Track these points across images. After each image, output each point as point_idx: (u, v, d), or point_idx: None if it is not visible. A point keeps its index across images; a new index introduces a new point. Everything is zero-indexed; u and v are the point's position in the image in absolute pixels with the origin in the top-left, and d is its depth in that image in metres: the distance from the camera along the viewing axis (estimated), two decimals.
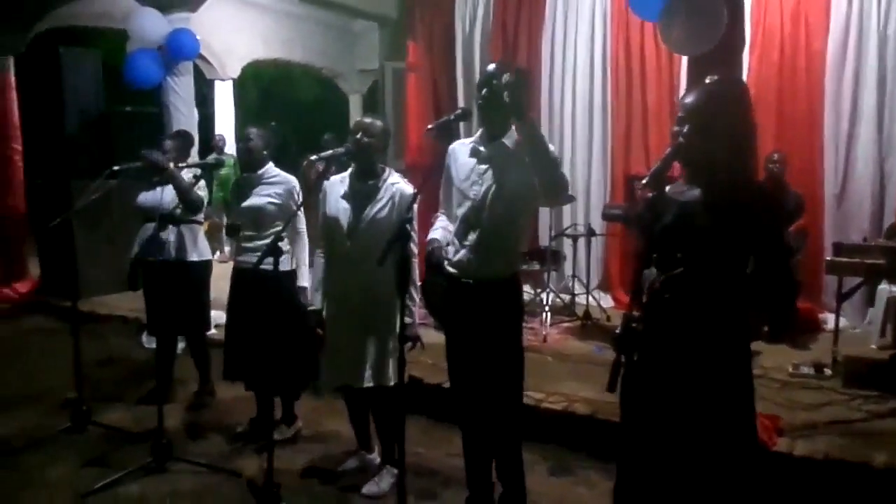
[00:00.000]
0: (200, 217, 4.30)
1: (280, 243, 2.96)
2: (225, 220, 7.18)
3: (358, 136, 3.09)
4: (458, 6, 7.04)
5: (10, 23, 7.17)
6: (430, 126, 2.74)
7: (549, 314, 5.46)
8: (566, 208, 6.58)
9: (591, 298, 5.96)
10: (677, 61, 5.96)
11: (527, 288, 5.48)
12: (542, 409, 3.84)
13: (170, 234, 4.12)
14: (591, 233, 6.04)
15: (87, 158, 6.60)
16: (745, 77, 5.13)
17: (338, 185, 3.21)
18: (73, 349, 4.02)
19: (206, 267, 4.37)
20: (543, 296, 5.66)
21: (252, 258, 3.50)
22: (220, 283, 4.21)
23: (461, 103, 6.83)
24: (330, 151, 3.10)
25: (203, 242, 4.38)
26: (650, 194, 2.14)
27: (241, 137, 3.83)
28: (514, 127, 2.66)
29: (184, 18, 6.11)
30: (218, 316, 4.46)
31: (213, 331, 4.54)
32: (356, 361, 3.13)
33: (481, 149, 2.74)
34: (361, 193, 3.14)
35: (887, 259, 4.34)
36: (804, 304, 5.41)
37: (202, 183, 4.09)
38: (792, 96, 5.78)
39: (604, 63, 6.51)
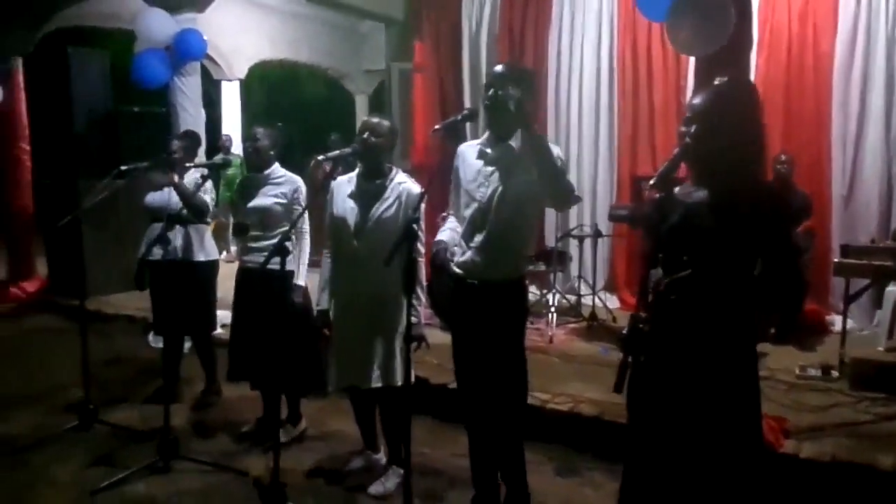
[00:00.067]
0: (207, 217, 4.32)
1: (287, 243, 2.97)
2: (231, 220, 7.19)
3: (365, 135, 3.10)
4: (465, 6, 7.02)
5: (19, 23, 7.22)
6: (436, 126, 2.73)
7: (555, 315, 5.44)
8: (572, 209, 6.54)
9: (597, 299, 5.96)
10: (684, 62, 5.92)
11: (533, 289, 5.47)
12: (548, 410, 3.84)
13: (177, 234, 4.15)
14: (597, 233, 6.04)
15: (95, 158, 6.62)
16: (752, 77, 5.12)
17: (345, 184, 3.21)
18: (81, 348, 4.04)
19: (212, 267, 4.39)
20: (549, 296, 5.64)
21: (258, 258, 3.52)
22: (225, 283, 4.22)
23: (468, 103, 6.83)
24: (337, 151, 3.10)
25: (210, 242, 4.39)
26: (657, 195, 2.13)
27: (247, 137, 3.84)
28: (519, 131, 2.66)
29: (191, 19, 6.14)
30: (224, 316, 4.47)
31: (219, 330, 4.56)
32: (364, 362, 3.13)
33: (488, 151, 2.75)
34: (368, 193, 3.14)
35: (895, 261, 4.33)
36: (811, 305, 5.39)
37: (209, 184, 4.09)
38: (799, 97, 5.75)
39: (610, 63, 6.49)
